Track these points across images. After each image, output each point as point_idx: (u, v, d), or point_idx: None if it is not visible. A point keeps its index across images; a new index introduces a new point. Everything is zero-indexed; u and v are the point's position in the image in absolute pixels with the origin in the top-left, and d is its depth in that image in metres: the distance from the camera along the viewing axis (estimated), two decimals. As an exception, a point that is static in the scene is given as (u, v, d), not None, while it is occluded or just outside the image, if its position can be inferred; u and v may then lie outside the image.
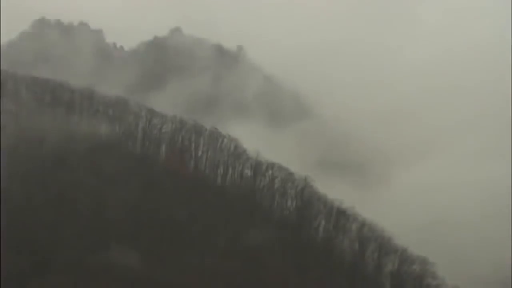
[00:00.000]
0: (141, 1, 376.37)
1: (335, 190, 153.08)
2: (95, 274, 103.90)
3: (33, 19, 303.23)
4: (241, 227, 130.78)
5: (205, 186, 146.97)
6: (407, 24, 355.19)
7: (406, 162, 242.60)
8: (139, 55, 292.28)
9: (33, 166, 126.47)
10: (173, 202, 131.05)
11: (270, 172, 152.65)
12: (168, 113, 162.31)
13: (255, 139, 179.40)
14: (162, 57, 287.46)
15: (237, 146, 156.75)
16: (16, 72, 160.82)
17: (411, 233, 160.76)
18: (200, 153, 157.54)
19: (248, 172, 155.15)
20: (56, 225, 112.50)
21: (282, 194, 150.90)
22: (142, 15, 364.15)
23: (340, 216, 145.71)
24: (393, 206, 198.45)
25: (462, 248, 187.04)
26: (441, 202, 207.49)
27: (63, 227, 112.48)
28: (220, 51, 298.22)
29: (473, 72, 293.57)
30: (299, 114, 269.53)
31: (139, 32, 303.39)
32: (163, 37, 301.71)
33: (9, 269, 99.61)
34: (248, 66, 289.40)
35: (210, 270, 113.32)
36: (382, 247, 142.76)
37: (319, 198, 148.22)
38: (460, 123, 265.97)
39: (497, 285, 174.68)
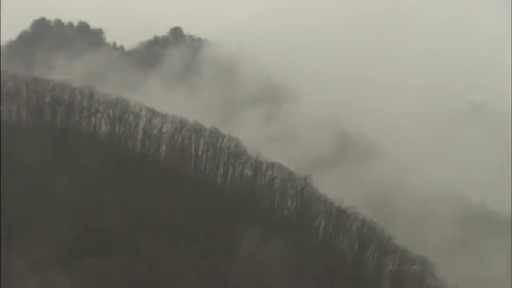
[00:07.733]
0: (141, 1, 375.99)
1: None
2: (95, 274, 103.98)
3: (33, 19, 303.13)
4: (241, 227, 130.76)
5: (205, 186, 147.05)
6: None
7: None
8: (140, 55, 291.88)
9: (33, 166, 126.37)
10: (173, 202, 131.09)
11: (270, 172, 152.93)
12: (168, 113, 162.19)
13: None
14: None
15: (237, 145, 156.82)
16: (16, 72, 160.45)
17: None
18: (200, 153, 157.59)
19: (248, 172, 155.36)
20: (56, 225, 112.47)
21: (282, 194, 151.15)
22: (142, 15, 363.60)
23: (340, 216, 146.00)
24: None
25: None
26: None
27: (63, 227, 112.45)
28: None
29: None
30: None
31: (139, 32, 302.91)
32: (163, 37, 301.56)
33: (9, 268, 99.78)
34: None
35: (210, 270, 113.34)
36: (382, 247, 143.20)
37: (319, 198, 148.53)
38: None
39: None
